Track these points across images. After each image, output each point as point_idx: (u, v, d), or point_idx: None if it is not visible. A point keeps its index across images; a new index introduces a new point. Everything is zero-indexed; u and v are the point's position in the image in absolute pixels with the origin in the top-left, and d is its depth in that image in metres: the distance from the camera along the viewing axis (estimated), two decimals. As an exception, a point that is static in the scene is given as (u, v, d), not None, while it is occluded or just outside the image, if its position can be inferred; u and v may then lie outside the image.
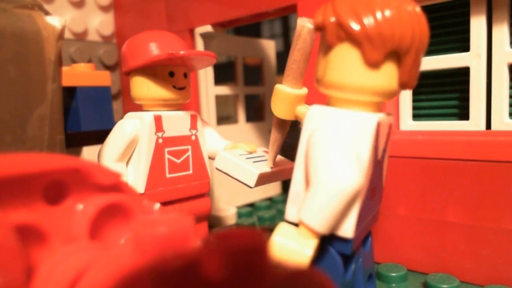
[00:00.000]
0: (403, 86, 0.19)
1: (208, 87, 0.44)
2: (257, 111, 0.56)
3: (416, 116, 0.33)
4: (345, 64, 0.19)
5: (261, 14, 0.39)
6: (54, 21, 0.24)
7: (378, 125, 0.19)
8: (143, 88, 0.30)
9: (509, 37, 0.28)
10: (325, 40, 0.19)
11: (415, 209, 0.30)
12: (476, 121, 0.29)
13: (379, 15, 0.17)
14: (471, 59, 0.29)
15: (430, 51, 0.31)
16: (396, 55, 0.18)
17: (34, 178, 0.15)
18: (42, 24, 0.24)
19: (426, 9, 0.31)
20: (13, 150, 0.23)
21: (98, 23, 0.51)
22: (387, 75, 0.19)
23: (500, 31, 0.28)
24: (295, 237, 0.18)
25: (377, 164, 0.20)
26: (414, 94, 0.32)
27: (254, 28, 0.77)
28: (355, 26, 0.18)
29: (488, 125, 0.29)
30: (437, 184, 0.29)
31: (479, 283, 0.28)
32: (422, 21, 0.18)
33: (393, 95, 0.20)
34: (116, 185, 0.17)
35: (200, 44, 0.43)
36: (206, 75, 0.44)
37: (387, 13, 0.18)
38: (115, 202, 0.16)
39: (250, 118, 0.52)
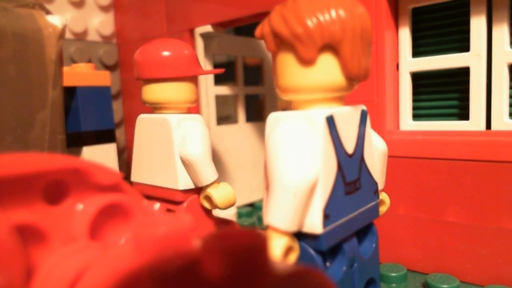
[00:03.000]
0: (350, 77, 0.20)
1: (208, 87, 0.44)
2: (257, 111, 0.56)
3: (416, 116, 0.33)
4: (286, 67, 0.20)
5: (261, 14, 0.39)
6: (55, 20, 0.24)
7: (330, 120, 0.20)
8: (164, 93, 0.30)
9: (509, 37, 0.28)
10: (268, 49, 0.21)
11: (415, 209, 0.30)
12: (476, 121, 0.29)
13: (304, 16, 0.19)
14: (471, 59, 0.29)
15: (431, 51, 0.31)
16: (332, 49, 0.19)
17: (34, 178, 0.15)
18: (43, 23, 0.24)
19: (426, 9, 0.31)
20: (14, 150, 0.23)
21: (98, 23, 0.51)
22: (326, 69, 0.20)
23: (500, 31, 0.28)
24: None
25: (349, 158, 0.21)
26: (414, 94, 0.32)
27: (254, 28, 0.77)
28: (285, 31, 0.19)
29: (488, 125, 0.29)
30: (437, 184, 0.29)
31: (479, 283, 0.28)
32: (353, 11, 0.19)
33: (344, 88, 0.20)
34: (116, 185, 0.17)
35: (200, 44, 0.43)
36: (206, 75, 0.44)
37: (312, 13, 0.19)
38: (115, 202, 0.16)
39: (250, 118, 0.52)
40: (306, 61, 0.19)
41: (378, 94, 0.31)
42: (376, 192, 0.24)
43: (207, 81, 0.44)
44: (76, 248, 0.15)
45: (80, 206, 0.16)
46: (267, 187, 0.20)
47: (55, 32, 0.24)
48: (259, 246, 0.10)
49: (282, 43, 0.20)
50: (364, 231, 0.24)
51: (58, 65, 0.25)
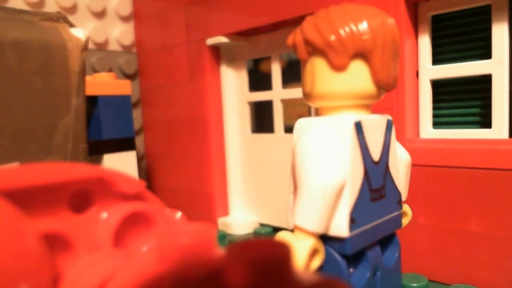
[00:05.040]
0: (379, 85, 0.21)
1: (243, 94, 0.44)
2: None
3: (436, 124, 0.32)
4: (317, 74, 0.21)
5: (279, 23, 0.39)
6: (79, 33, 0.25)
7: (358, 126, 0.20)
8: None
9: (532, 44, 0.28)
10: (299, 57, 0.22)
11: (437, 219, 0.30)
12: (498, 129, 0.29)
13: (337, 25, 0.20)
14: (493, 67, 0.29)
15: (451, 59, 0.31)
16: (363, 57, 0.20)
17: (60, 187, 0.15)
18: (67, 36, 0.24)
19: (447, 17, 0.31)
20: (38, 159, 0.23)
21: (119, 33, 0.52)
22: (357, 76, 0.20)
23: (523, 37, 0.28)
24: (291, 241, 0.19)
25: (375, 165, 0.21)
26: (434, 101, 0.32)
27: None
28: (318, 39, 0.20)
29: (511, 133, 0.29)
30: (459, 193, 0.29)
31: (503, 295, 0.28)
32: (384, 23, 0.20)
33: (373, 96, 0.21)
34: (139, 194, 0.17)
35: (221, 54, 0.43)
36: (242, 81, 0.44)
37: (345, 22, 0.20)
38: (138, 210, 0.17)
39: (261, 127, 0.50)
40: (338, 68, 0.20)
41: (397, 102, 0.31)
42: (399, 202, 0.23)
43: (243, 87, 0.44)
44: (101, 256, 0.15)
45: (104, 215, 0.16)
46: (294, 191, 0.20)
47: (79, 44, 0.25)
48: (282, 256, 0.10)
49: (314, 50, 0.21)
50: (386, 241, 0.24)
51: (82, 76, 0.26)
